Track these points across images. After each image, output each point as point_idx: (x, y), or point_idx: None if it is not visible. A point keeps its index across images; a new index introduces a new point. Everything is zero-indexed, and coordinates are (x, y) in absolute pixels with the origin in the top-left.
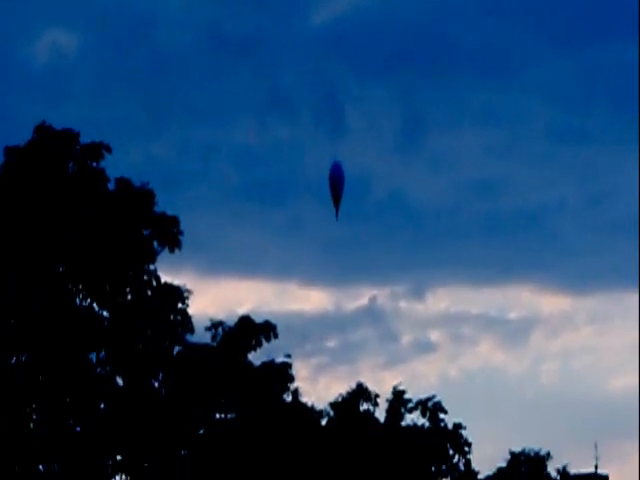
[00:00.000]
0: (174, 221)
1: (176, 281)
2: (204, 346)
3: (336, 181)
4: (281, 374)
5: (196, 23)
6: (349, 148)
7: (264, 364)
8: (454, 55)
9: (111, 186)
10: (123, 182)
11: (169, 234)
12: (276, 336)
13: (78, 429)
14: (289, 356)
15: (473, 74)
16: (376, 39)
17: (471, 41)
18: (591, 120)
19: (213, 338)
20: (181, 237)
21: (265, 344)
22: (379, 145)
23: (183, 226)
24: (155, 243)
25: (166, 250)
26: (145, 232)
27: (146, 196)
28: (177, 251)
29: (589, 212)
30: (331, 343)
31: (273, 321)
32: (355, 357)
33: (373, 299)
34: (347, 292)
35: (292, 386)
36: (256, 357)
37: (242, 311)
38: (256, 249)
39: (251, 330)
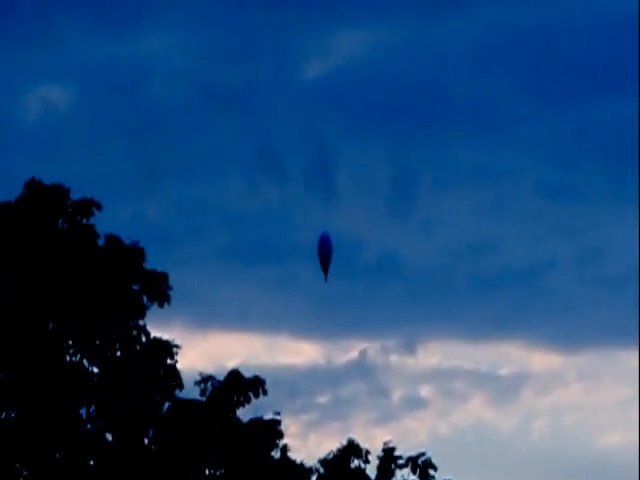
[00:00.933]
0: (163, 277)
1: (165, 335)
2: (193, 402)
3: (324, 253)
4: (270, 430)
5: (188, 79)
6: (340, 207)
7: (252, 420)
8: (446, 111)
9: (101, 242)
10: (113, 239)
11: (158, 290)
12: (265, 392)
13: None
14: (278, 413)
15: (465, 131)
16: (369, 94)
17: (462, 98)
18: (581, 176)
19: (202, 393)
20: (170, 292)
21: (254, 399)
22: (371, 205)
23: (173, 283)
24: (145, 298)
25: (155, 305)
26: (135, 287)
27: (136, 253)
28: (167, 306)
29: (579, 269)
30: (322, 398)
31: (263, 375)
32: (346, 413)
33: (363, 353)
34: (338, 345)
35: (281, 442)
36: (245, 413)
37: (232, 364)
38: (246, 304)
39: (240, 385)
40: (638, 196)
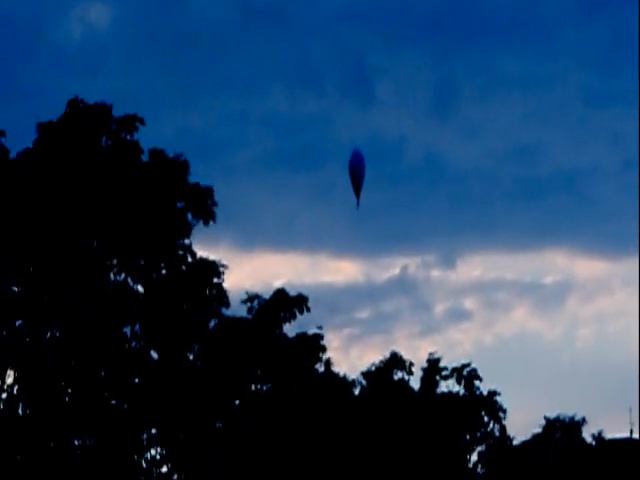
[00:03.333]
0: (208, 192)
1: (212, 255)
2: (239, 319)
3: (356, 171)
4: (314, 345)
5: None
6: (381, 115)
7: (297, 336)
8: (486, 21)
9: (145, 158)
10: (157, 153)
11: (203, 206)
12: (308, 309)
13: (113, 403)
14: (320, 328)
15: (505, 40)
16: (407, 7)
17: (503, 6)
18: (625, 83)
19: (249, 311)
20: (215, 208)
21: (299, 316)
22: (412, 112)
23: (217, 196)
24: (189, 216)
25: (201, 223)
26: (179, 205)
27: (180, 167)
28: (212, 224)
29: (624, 175)
30: (364, 314)
31: (307, 293)
32: (389, 327)
33: (405, 268)
34: (379, 262)
35: (324, 356)
36: (290, 329)
37: (277, 284)
38: (289, 219)
39: (285, 303)
40: None
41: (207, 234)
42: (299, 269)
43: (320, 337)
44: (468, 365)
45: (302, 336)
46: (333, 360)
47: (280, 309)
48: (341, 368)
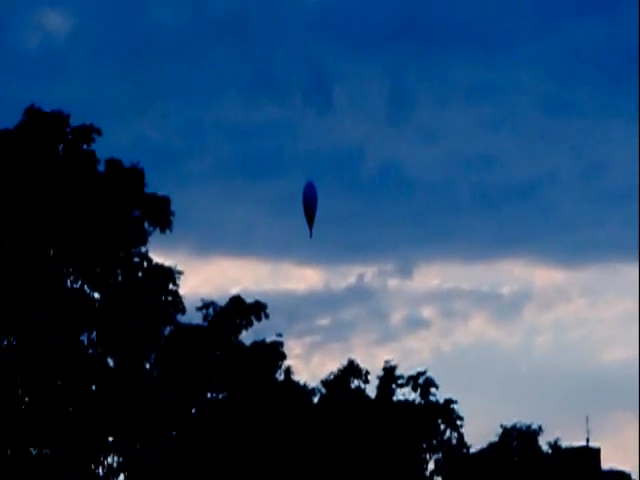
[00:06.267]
0: (165, 202)
1: (167, 262)
2: (195, 327)
3: (309, 202)
4: (273, 352)
5: (185, 3)
6: (338, 123)
7: (255, 343)
8: (443, 30)
9: (101, 168)
10: (113, 163)
11: (160, 215)
12: (267, 316)
13: (70, 410)
14: (280, 335)
15: (463, 49)
16: (364, 15)
17: (460, 16)
18: (582, 92)
19: (204, 318)
20: (172, 218)
21: (256, 324)
22: (369, 120)
23: (174, 205)
24: (146, 224)
25: (157, 231)
26: (136, 213)
27: (136, 176)
28: (169, 232)
29: (582, 184)
30: (324, 321)
31: (265, 301)
32: (348, 335)
33: (361, 277)
34: (337, 271)
35: (284, 364)
36: (247, 337)
37: (234, 291)
38: (247, 227)
39: (242, 310)
40: (638, 112)
41: (164, 241)
42: (258, 276)
43: (279, 344)
44: (424, 373)
45: (260, 344)
46: (294, 368)
47: (236, 316)
48: (302, 376)
